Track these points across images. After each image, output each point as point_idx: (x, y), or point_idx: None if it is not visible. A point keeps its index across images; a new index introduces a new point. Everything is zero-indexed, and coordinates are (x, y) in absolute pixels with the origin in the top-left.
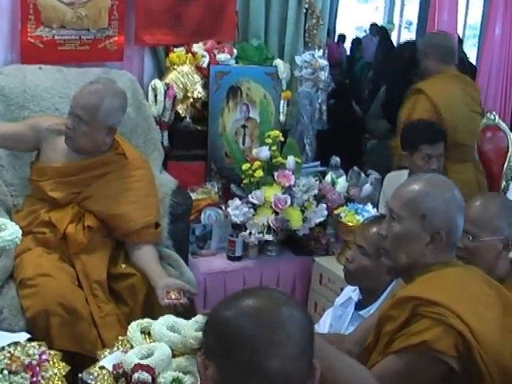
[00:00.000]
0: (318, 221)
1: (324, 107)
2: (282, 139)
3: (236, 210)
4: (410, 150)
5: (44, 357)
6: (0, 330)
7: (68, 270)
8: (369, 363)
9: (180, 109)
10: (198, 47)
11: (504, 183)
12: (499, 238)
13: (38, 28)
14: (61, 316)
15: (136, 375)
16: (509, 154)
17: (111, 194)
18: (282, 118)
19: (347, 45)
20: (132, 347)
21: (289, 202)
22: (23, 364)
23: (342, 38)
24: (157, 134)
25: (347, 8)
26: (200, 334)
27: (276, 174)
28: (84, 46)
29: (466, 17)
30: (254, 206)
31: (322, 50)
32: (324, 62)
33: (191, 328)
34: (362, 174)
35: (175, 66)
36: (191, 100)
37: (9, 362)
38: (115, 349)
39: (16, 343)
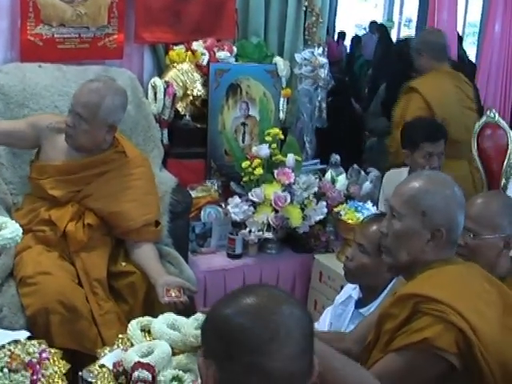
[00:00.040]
0: (317, 218)
1: (324, 105)
2: (282, 137)
3: (236, 207)
4: (411, 148)
5: (44, 355)
6: (0, 328)
7: (68, 268)
8: (369, 361)
9: (180, 107)
10: (197, 45)
11: (504, 181)
12: (500, 236)
13: (38, 26)
14: (61, 314)
15: (136, 373)
16: (508, 152)
17: (111, 192)
18: (281, 115)
19: (347, 42)
20: (132, 345)
21: (289, 200)
22: (23, 362)
23: (342, 35)
24: (156, 132)
25: (347, 6)
26: (199, 331)
27: (276, 171)
28: (83, 44)
29: (465, 14)
30: (254, 204)
31: (321, 48)
32: (324, 60)
33: (191, 326)
34: (362, 172)
35: (175, 64)
36: (191, 98)
37: (9, 360)
38: (115, 347)
39: (16, 341)
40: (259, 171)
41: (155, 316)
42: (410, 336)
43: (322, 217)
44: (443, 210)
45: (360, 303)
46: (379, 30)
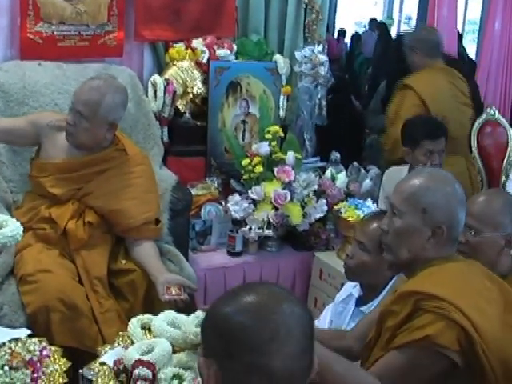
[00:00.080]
0: (317, 216)
1: (324, 103)
2: (282, 135)
3: (236, 205)
4: (412, 145)
5: (45, 353)
6: (0, 326)
7: (68, 266)
8: (370, 359)
9: (180, 104)
10: (197, 43)
11: (504, 178)
12: (501, 234)
13: (38, 24)
14: (61, 312)
15: (137, 371)
16: (508, 149)
17: (111, 190)
18: (281, 113)
19: (347, 40)
20: (132, 343)
21: (289, 198)
22: (24, 360)
23: (343, 32)
24: (156, 130)
25: (346, 3)
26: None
27: (276, 169)
28: (83, 41)
29: (465, 12)
30: (254, 202)
31: (321, 46)
32: (324, 58)
33: (191, 324)
34: (362, 170)
35: (175, 62)
36: (191, 95)
37: (10, 358)
38: (116, 345)
39: (17, 339)
40: (259, 169)
41: (155, 314)
42: (411, 333)
43: (322, 214)
44: (444, 207)
45: (361, 301)
46: (379, 27)
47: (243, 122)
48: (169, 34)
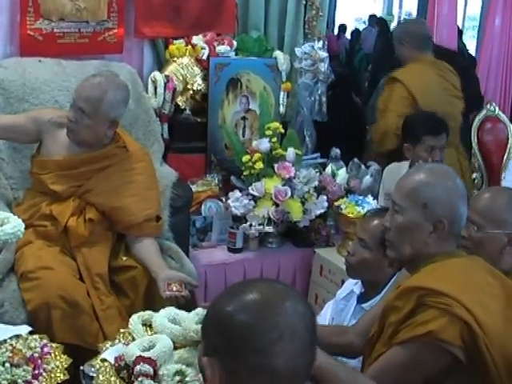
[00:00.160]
0: (318, 212)
1: (324, 99)
2: (282, 131)
3: (236, 201)
4: (413, 141)
5: (46, 349)
6: (1, 323)
7: (69, 263)
8: (373, 354)
9: (180, 101)
10: (197, 39)
11: (504, 174)
12: (505, 232)
13: (37, 21)
14: (62, 309)
15: (138, 367)
16: (508, 146)
17: (112, 187)
18: (281, 109)
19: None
20: (133, 339)
21: (289, 194)
22: (25, 357)
23: (343, 28)
24: (157, 127)
25: None
26: (199, 326)
27: (276, 165)
28: (83, 38)
29: (465, 8)
30: (255, 198)
31: (321, 42)
32: (324, 54)
33: (192, 321)
34: (362, 166)
35: (175, 58)
36: (191, 92)
37: (11, 354)
38: (117, 341)
39: (18, 336)
40: (259, 165)
41: (156, 310)
42: (414, 329)
43: (322, 211)
44: (445, 201)
45: (362, 298)
46: (379, 23)
47: (243, 118)
48: (169, 30)
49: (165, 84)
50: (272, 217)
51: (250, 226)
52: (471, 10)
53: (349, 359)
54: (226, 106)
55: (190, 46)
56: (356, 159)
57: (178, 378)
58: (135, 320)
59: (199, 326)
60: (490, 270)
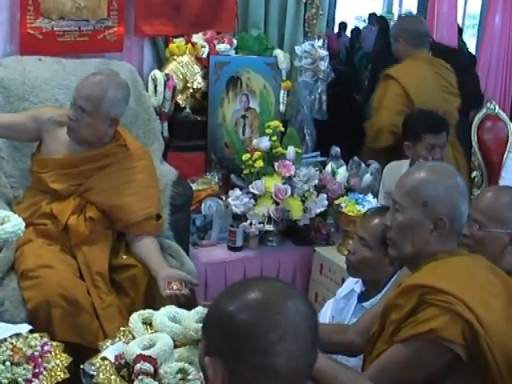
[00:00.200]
0: (318, 211)
1: (324, 97)
2: (282, 129)
3: (236, 200)
4: (413, 139)
5: (46, 348)
6: (1, 321)
7: (69, 262)
8: (374, 352)
9: (180, 99)
10: (197, 38)
11: (502, 173)
12: (506, 231)
13: (37, 19)
14: (62, 307)
15: (138, 366)
16: (508, 144)
17: (113, 186)
18: (281, 108)
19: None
20: (134, 338)
21: (289, 193)
22: (25, 355)
23: (344, 26)
24: (157, 125)
25: None
26: (200, 325)
27: (276, 164)
28: (83, 37)
29: (465, 6)
30: (255, 197)
31: (321, 40)
32: (324, 52)
33: (192, 319)
34: (363, 164)
35: (175, 57)
36: (191, 90)
37: (11, 353)
38: (117, 340)
39: (18, 335)
40: (260, 164)
41: (156, 309)
42: (416, 327)
43: (322, 209)
44: (445, 199)
45: (363, 297)
46: (379, 22)
47: (243, 116)
48: (169, 28)
49: (165, 82)
50: (272, 215)
51: (250, 224)
52: (471, 8)
53: (349, 357)
54: (226, 104)
55: (190, 45)
56: (356, 157)
57: (180, 375)
58: (135, 318)
59: (199, 325)
60: (492, 268)
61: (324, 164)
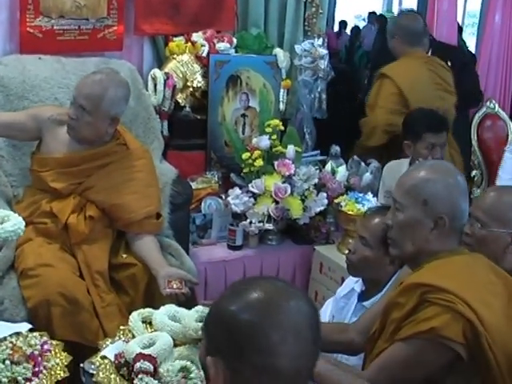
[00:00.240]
0: (318, 210)
1: (324, 96)
2: (282, 128)
3: (236, 199)
4: (413, 138)
5: (46, 347)
6: (1, 320)
7: (69, 260)
8: (374, 351)
9: (180, 98)
10: (197, 36)
11: (499, 172)
12: (508, 231)
13: (37, 18)
14: (62, 306)
15: (138, 364)
16: (508, 143)
17: (113, 185)
18: (281, 106)
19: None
20: (133, 337)
21: (289, 191)
22: (25, 354)
23: (344, 24)
24: (156, 124)
25: None
26: (199, 324)
27: (276, 163)
28: (83, 35)
29: (465, 4)
30: (254, 195)
31: (321, 39)
32: (323, 51)
33: (192, 318)
34: (362, 163)
35: (175, 56)
36: (191, 89)
37: (11, 352)
38: (117, 338)
39: (18, 333)
40: (259, 162)
41: (156, 308)
42: (417, 325)
43: (322, 208)
44: (445, 198)
45: (363, 296)
46: (378, 20)
47: (243, 115)
48: (168, 27)
49: (165, 81)
50: (272, 214)
51: (250, 223)
52: (471, 7)
53: (349, 356)
54: (225, 103)
55: (189, 43)
56: (356, 156)
57: (181, 374)
58: (135, 317)
59: (199, 324)
60: (493, 267)
61: (324, 163)
